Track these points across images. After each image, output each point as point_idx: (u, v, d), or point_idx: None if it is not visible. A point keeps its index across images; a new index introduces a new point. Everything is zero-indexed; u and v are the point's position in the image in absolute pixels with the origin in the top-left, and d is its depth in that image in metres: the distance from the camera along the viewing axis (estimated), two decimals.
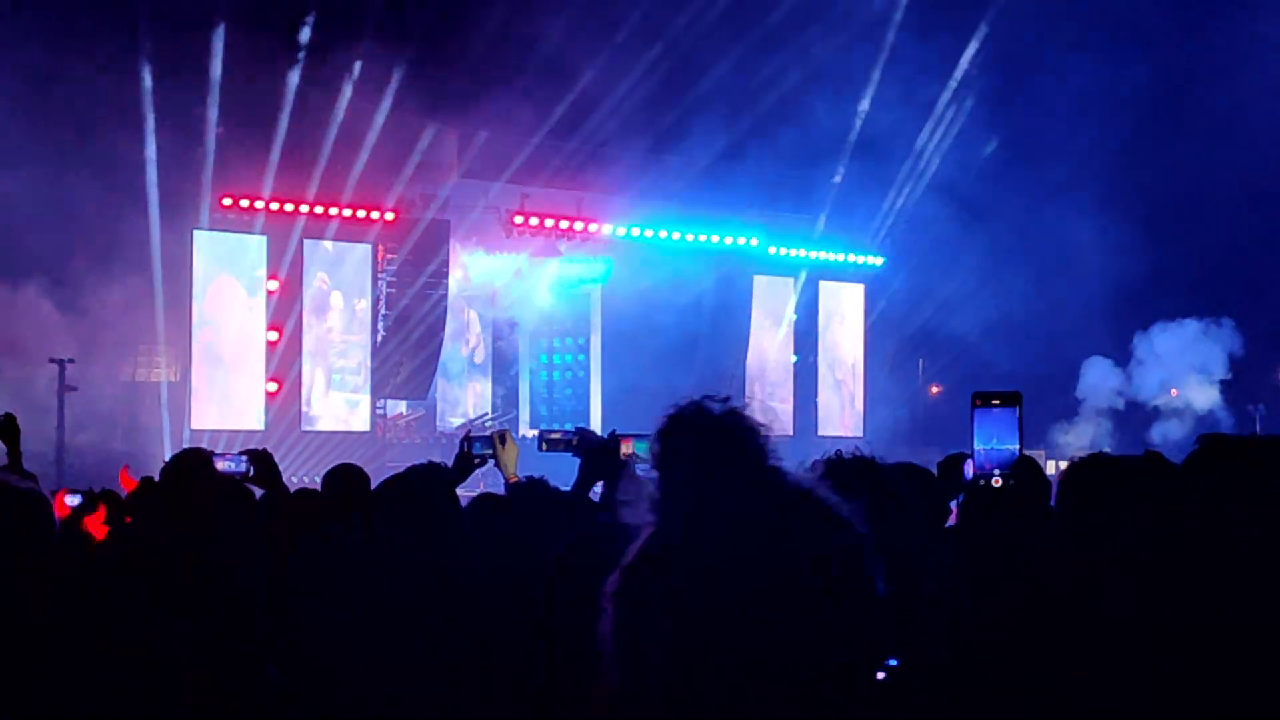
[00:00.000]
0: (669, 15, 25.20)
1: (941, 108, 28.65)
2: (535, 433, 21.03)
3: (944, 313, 30.21)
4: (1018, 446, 4.04)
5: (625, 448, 5.48)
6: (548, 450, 5.86)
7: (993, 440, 4.05)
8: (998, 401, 4.08)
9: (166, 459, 6.54)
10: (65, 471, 19.73)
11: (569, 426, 12.03)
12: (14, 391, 19.97)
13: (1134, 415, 30.22)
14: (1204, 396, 30.15)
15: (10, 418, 6.10)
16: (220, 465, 6.04)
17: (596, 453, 5.47)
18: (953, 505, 5.10)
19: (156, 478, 5.63)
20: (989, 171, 28.54)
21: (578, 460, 5.60)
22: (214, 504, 3.95)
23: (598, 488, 5.52)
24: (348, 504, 5.86)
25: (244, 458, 6.21)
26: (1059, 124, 27.50)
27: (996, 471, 4.04)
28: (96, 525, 5.67)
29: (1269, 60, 25.46)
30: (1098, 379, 30.43)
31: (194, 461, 5.74)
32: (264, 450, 6.34)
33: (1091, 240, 26.64)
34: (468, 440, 5.89)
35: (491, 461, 5.97)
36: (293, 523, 5.37)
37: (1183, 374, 30.08)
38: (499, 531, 4.71)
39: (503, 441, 5.78)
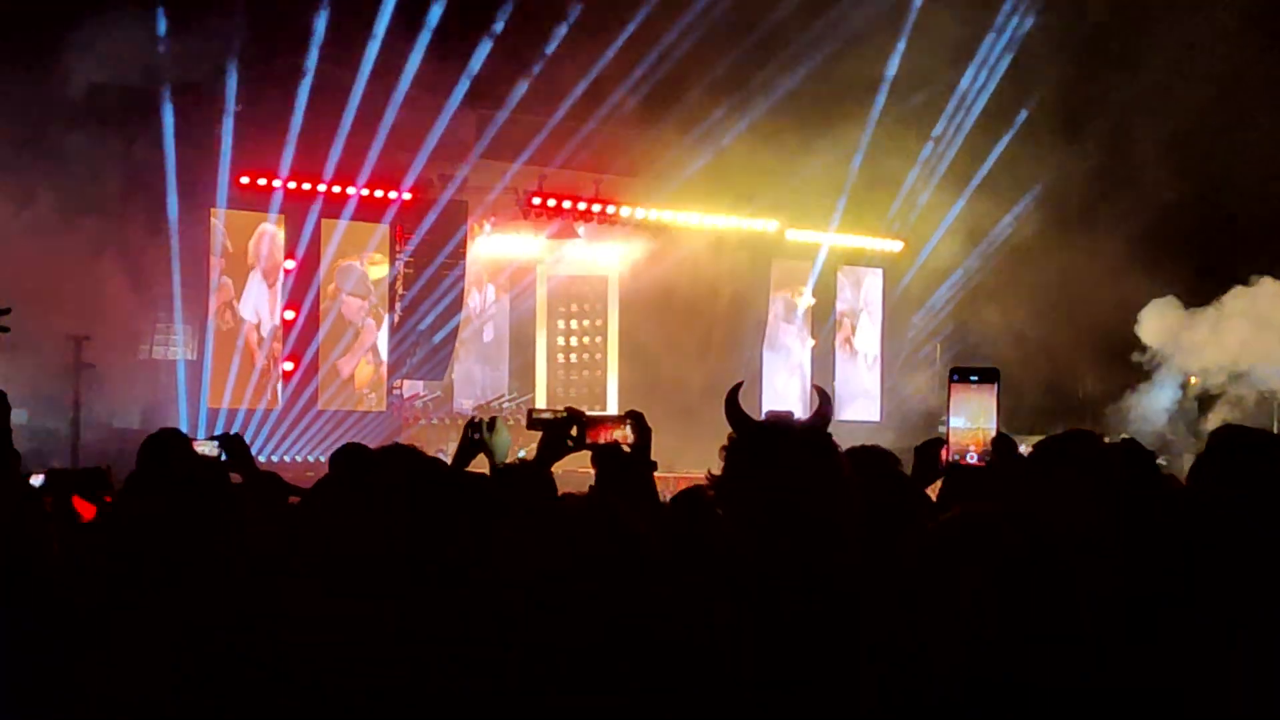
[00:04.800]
0: None
1: (965, 86, 28.43)
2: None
3: (965, 296, 30.04)
4: (995, 425, 3.94)
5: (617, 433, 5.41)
6: (535, 429, 5.80)
7: (967, 418, 3.95)
8: (976, 379, 3.97)
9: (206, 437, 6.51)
10: (81, 448, 19.74)
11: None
12: (30, 368, 19.95)
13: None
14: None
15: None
16: (196, 449, 6.00)
17: (557, 430, 5.40)
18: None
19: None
20: (1013, 149, 28.28)
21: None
22: (192, 484, 3.90)
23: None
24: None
25: (215, 442, 6.16)
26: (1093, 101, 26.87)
27: (971, 449, 3.93)
28: (84, 505, 5.64)
29: None
30: (1163, 328, 27.46)
31: (171, 442, 5.69)
32: (237, 434, 6.31)
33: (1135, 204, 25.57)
34: (472, 425, 5.83)
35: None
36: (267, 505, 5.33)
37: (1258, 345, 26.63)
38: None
39: (491, 428, 5.70)
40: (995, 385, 3.96)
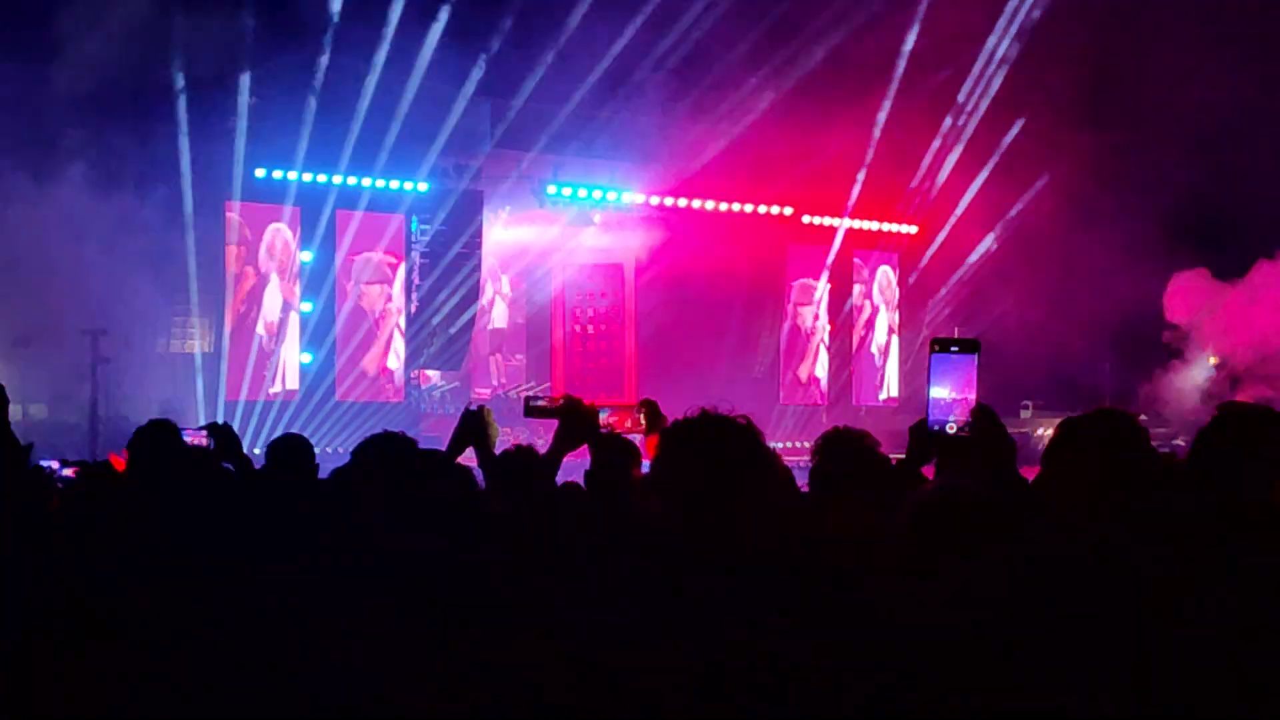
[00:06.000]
0: None
1: (980, 68, 28.25)
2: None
3: (980, 279, 29.91)
4: (975, 394, 3.96)
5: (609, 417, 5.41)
6: (532, 418, 5.78)
7: (949, 388, 3.98)
8: (956, 349, 4.01)
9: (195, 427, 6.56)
10: (99, 443, 19.76)
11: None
12: (48, 363, 20.00)
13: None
14: None
15: None
16: (186, 439, 6.03)
17: (571, 421, 5.39)
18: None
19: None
20: (1030, 131, 28.09)
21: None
22: (180, 475, 3.90)
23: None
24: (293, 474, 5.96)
25: (205, 432, 6.20)
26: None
27: (952, 419, 3.96)
28: None
29: None
30: (1192, 304, 26.95)
31: (161, 433, 5.71)
32: (225, 424, 6.35)
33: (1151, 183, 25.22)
34: (468, 415, 5.83)
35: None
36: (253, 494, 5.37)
37: None
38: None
39: (480, 419, 5.69)
40: (975, 356, 4.01)
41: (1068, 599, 3.28)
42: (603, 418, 5.47)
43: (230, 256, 24.39)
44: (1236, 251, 26.87)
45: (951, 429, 3.97)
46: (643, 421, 5.27)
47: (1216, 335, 27.43)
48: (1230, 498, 3.77)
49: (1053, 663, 3.11)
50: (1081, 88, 26.68)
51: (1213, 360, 27.84)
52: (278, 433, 23.71)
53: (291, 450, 6.30)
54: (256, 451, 7.48)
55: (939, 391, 4.00)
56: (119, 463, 5.85)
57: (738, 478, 3.19)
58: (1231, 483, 3.83)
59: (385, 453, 4.23)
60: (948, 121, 28.84)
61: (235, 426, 6.61)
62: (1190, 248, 26.37)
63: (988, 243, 30.02)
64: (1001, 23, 27.78)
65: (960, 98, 28.56)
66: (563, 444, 5.37)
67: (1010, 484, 3.95)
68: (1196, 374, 27.49)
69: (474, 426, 5.61)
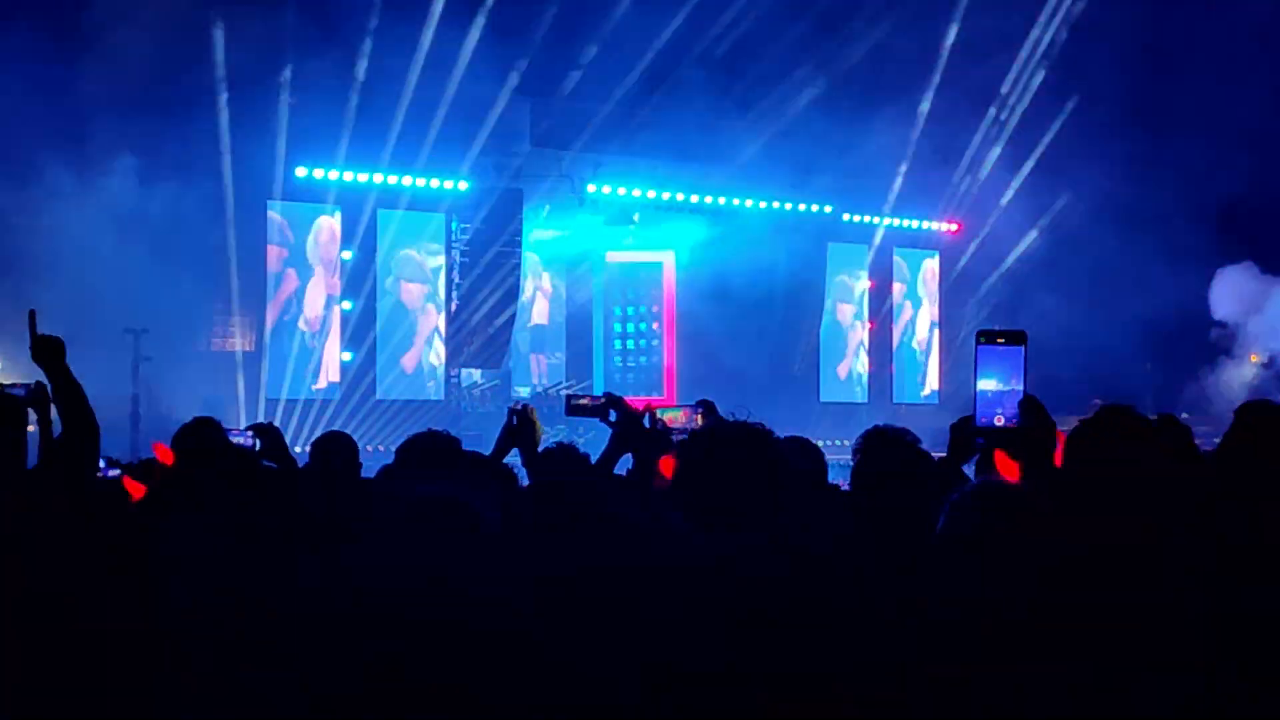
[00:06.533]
0: None
1: (1020, 65, 28.07)
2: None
3: (1021, 277, 29.75)
4: (1022, 386, 3.91)
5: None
6: (574, 416, 5.80)
7: (996, 380, 3.96)
8: (1003, 340, 4.00)
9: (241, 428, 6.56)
10: (140, 442, 19.85)
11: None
12: (89, 362, 20.07)
13: None
14: None
15: (41, 386, 5.98)
16: (232, 439, 6.03)
17: (628, 424, 5.37)
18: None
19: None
20: (1068, 132, 27.91)
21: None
22: (224, 475, 3.90)
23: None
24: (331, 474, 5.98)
25: (250, 433, 6.21)
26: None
27: (999, 411, 3.94)
28: (133, 485, 5.65)
29: None
30: (1238, 300, 26.85)
31: (206, 433, 5.71)
32: (271, 424, 6.37)
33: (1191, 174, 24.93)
34: (513, 414, 5.84)
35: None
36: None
37: None
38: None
39: (523, 419, 5.70)
40: (1023, 348, 3.98)
41: (1095, 594, 3.27)
42: (660, 416, 5.48)
43: (271, 255, 24.48)
44: None
45: (999, 421, 3.94)
46: (700, 421, 5.27)
47: (1264, 332, 27.22)
48: (1251, 496, 3.77)
49: (1072, 657, 3.10)
50: (1126, 81, 26.48)
51: (1255, 359, 27.64)
52: (319, 431, 23.86)
53: (334, 449, 6.29)
54: (298, 450, 7.49)
55: (986, 384, 3.98)
56: (164, 454, 5.81)
57: (748, 488, 3.21)
58: (1252, 480, 3.83)
59: (429, 451, 4.21)
60: (990, 115, 28.68)
61: (276, 425, 6.61)
62: (1236, 243, 26.14)
63: (1030, 239, 29.83)
64: (1045, 16, 27.63)
65: (1000, 95, 28.40)
66: (616, 449, 5.38)
67: (1047, 477, 3.93)
68: (1245, 372, 27.25)
69: (519, 426, 5.63)
